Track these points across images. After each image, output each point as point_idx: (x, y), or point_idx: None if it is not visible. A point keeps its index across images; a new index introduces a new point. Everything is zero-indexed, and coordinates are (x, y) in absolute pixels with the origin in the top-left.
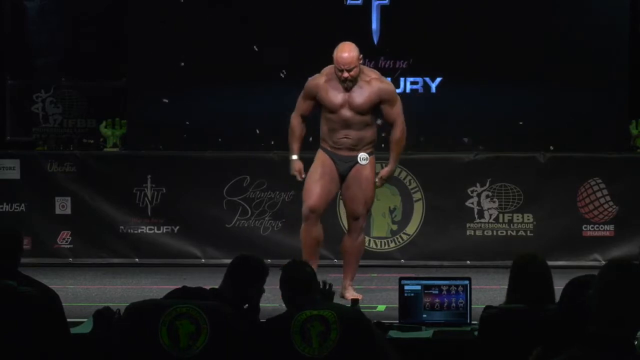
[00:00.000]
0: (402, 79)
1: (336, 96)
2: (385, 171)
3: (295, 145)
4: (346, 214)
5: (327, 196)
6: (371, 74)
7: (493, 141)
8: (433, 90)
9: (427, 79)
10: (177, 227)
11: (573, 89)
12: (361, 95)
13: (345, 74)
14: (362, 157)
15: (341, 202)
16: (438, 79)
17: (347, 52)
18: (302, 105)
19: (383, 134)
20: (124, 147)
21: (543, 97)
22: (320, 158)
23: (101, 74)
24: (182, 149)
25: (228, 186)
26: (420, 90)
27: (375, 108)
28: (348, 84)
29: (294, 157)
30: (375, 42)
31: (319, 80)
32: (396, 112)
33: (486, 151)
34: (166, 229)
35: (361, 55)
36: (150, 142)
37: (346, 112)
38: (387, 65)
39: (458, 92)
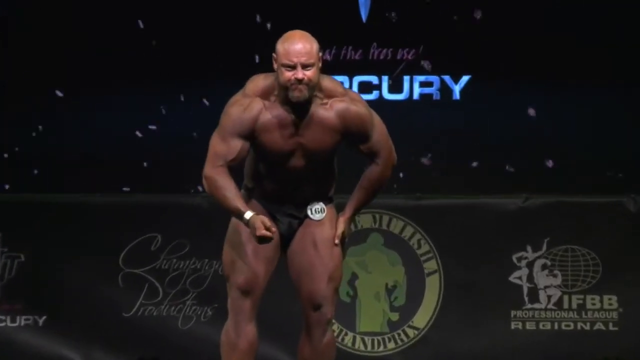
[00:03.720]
0: (406, 79)
1: (280, 138)
2: (341, 222)
3: (238, 201)
4: (302, 302)
5: (265, 268)
6: (331, 87)
7: (553, 178)
8: (456, 95)
9: (447, 78)
10: (44, 317)
11: None
12: (319, 130)
13: (300, 74)
14: (316, 208)
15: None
16: (464, 79)
17: (300, 41)
18: (231, 146)
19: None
20: None
21: (633, 108)
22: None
23: None
24: (51, 191)
25: (126, 250)
26: (436, 97)
27: (339, 144)
28: (301, 94)
29: (249, 214)
30: (364, 19)
31: (255, 112)
32: (374, 142)
33: (542, 193)
34: (26, 319)
35: (321, 54)
36: None
37: (297, 162)
38: (381, 57)
39: (496, 99)
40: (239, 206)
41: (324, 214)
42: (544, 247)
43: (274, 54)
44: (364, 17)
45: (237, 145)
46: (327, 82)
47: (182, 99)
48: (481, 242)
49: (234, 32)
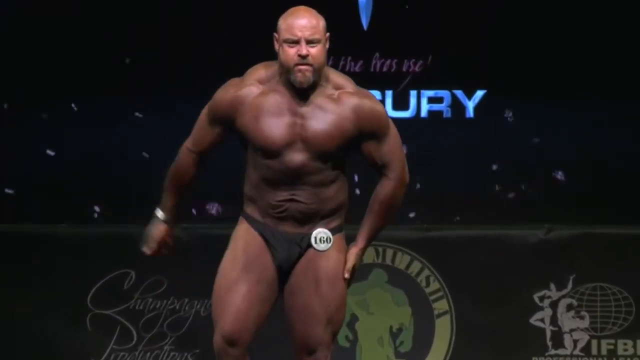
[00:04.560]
0: (412, 93)
1: (277, 125)
2: (352, 254)
3: (170, 197)
4: (294, 342)
5: (257, 311)
6: (341, 81)
7: (579, 205)
8: (470, 113)
9: (459, 93)
10: None
11: None
12: (324, 121)
13: (304, 49)
14: (321, 236)
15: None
16: (479, 94)
17: (305, 15)
18: (204, 133)
19: None
20: None
21: None
22: (243, 236)
23: None
24: (8, 220)
25: (96, 289)
26: (447, 114)
27: (348, 146)
28: (305, 78)
29: (160, 214)
30: (365, 26)
31: (242, 93)
32: (388, 149)
33: (567, 224)
34: None
35: (328, 34)
36: None
37: (296, 156)
38: (385, 69)
39: (517, 117)
40: (165, 201)
41: (329, 244)
42: (570, 285)
43: (275, 34)
44: (364, 24)
45: (213, 131)
46: (335, 74)
47: (157, 116)
48: (498, 280)
49: (223, 39)
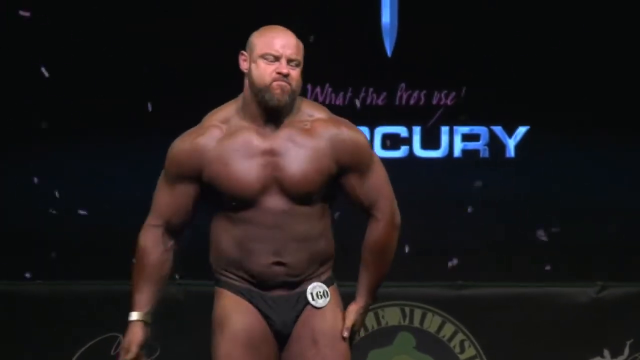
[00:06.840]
0: (444, 130)
1: (250, 167)
2: (352, 312)
3: (144, 288)
4: None
5: None
6: (313, 110)
7: (637, 260)
8: (510, 152)
9: (498, 130)
10: None
11: None
12: (299, 158)
13: (284, 68)
14: (317, 291)
15: None
16: (521, 130)
17: (286, 34)
18: (166, 199)
19: None
20: None
21: None
22: (230, 310)
23: None
24: None
25: (79, 355)
26: (484, 153)
27: (329, 183)
28: (282, 96)
29: (135, 315)
30: (389, 52)
31: (203, 140)
32: (373, 185)
33: (622, 280)
34: None
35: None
36: None
37: (275, 201)
38: (412, 101)
39: (562, 156)
40: (138, 296)
41: (328, 298)
42: (626, 351)
43: (242, 52)
44: (389, 49)
45: (180, 193)
46: (306, 103)
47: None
48: (543, 345)
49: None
